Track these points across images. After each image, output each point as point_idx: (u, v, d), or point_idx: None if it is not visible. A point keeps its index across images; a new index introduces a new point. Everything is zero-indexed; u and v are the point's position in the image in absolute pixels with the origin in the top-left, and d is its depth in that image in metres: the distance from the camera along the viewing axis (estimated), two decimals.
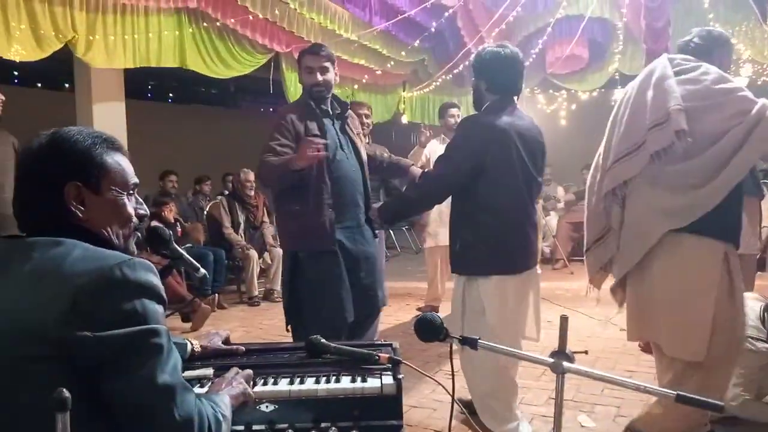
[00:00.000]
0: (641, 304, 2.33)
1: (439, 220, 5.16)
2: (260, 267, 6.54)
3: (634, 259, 2.28)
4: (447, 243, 5.18)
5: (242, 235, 6.58)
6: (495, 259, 2.64)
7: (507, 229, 2.64)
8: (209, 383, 1.47)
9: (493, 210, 2.63)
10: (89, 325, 1.01)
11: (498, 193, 2.61)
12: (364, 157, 3.05)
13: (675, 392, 1.14)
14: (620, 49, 7.30)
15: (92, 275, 1.04)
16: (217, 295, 6.03)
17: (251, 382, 1.46)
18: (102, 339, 1.01)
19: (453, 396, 1.43)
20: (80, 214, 1.15)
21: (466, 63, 7.07)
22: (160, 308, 1.11)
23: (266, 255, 6.62)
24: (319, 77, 2.90)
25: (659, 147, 2.16)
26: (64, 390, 0.83)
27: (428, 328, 1.33)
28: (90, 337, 1.01)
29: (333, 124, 2.96)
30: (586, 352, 1.28)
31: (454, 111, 5.24)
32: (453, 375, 1.48)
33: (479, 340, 1.28)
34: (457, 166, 2.67)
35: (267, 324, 5.45)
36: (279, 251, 6.72)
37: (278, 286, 6.58)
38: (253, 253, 6.37)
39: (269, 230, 6.89)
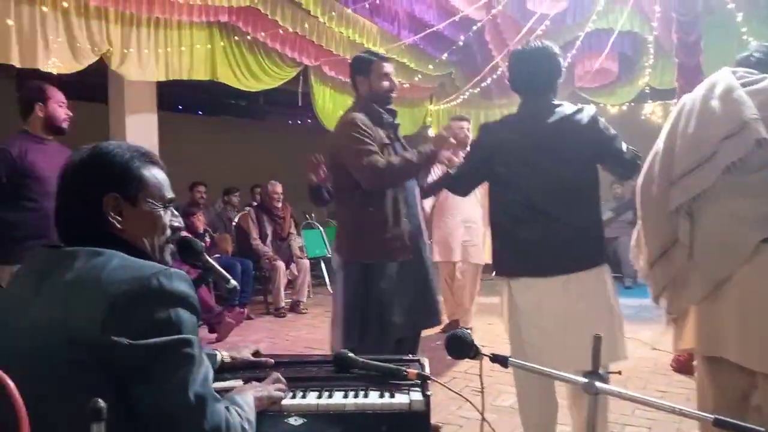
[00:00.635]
0: (718, 317, 2.18)
1: (447, 234, 5.11)
2: (287, 278, 6.57)
3: (722, 272, 2.15)
4: (456, 259, 5.15)
5: (269, 246, 6.63)
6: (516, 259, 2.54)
7: (519, 228, 2.50)
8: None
9: (503, 211, 2.57)
10: (125, 332, 1.04)
11: (506, 193, 2.54)
12: None
13: (713, 416, 1.11)
14: (651, 63, 7.21)
15: (130, 284, 1.07)
16: (246, 308, 6.09)
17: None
18: (136, 346, 1.04)
19: (483, 414, 1.41)
20: (118, 225, 1.19)
21: (494, 76, 7.06)
22: (193, 318, 1.13)
23: (293, 266, 6.66)
24: (391, 84, 2.90)
25: (734, 158, 2.10)
26: (100, 400, 0.85)
27: (459, 345, 1.32)
28: (125, 343, 1.03)
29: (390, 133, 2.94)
30: (619, 373, 1.25)
31: (463, 124, 5.11)
32: (483, 392, 1.46)
33: (510, 358, 1.27)
34: (460, 167, 2.76)
35: (293, 335, 5.46)
36: (306, 263, 6.77)
37: (304, 298, 6.62)
38: (281, 264, 6.41)
39: (296, 242, 6.94)
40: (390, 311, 2.76)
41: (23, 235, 2.98)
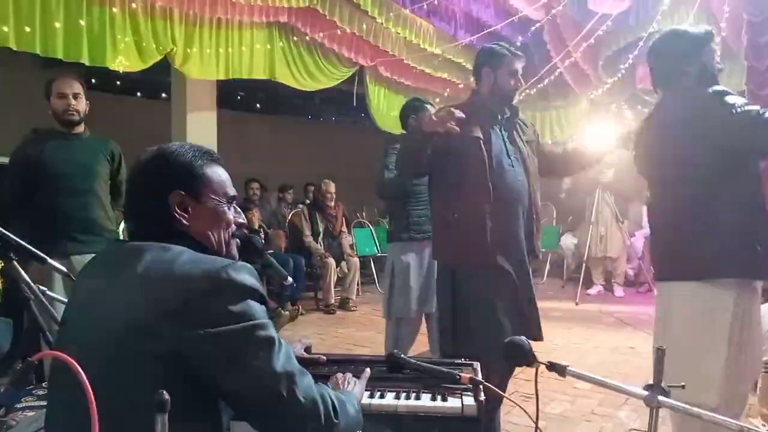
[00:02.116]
0: None
1: None
2: (337, 276, 6.63)
3: None
4: None
5: (321, 243, 6.70)
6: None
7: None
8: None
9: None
10: (200, 324, 1.07)
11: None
12: (534, 170, 2.73)
13: None
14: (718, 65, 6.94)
15: (202, 277, 1.10)
16: (300, 306, 6.20)
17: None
18: (212, 336, 1.07)
19: (536, 423, 1.39)
20: (184, 221, 1.22)
21: (551, 78, 6.94)
22: (263, 308, 1.16)
23: (343, 264, 6.72)
24: (516, 82, 2.72)
25: None
26: (164, 392, 0.87)
27: (516, 352, 1.30)
28: (201, 334, 1.06)
29: (500, 130, 2.68)
30: (683, 386, 1.21)
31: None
32: (537, 399, 1.44)
33: (568, 367, 1.24)
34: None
35: (342, 332, 5.51)
36: (356, 261, 6.82)
37: (354, 296, 6.68)
38: (331, 262, 6.48)
39: (347, 240, 7.00)
40: (479, 324, 2.53)
41: (40, 233, 2.87)
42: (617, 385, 1.25)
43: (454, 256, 2.63)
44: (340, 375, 1.56)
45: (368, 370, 1.62)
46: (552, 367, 1.26)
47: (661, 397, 1.14)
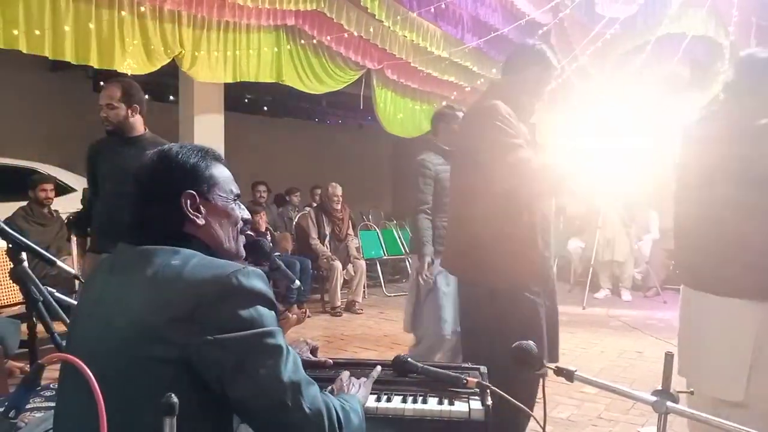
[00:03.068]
0: None
1: None
2: (344, 278, 6.64)
3: None
4: None
5: (327, 246, 6.71)
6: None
7: None
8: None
9: None
10: (209, 330, 1.07)
11: None
12: None
13: None
14: (725, 69, 6.91)
15: (211, 283, 1.10)
16: (307, 309, 6.20)
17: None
18: (221, 342, 1.07)
19: (544, 427, 1.38)
20: (198, 221, 1.23)
21: (558, 81, 6.92)
22: (272, 313, 1.16)
23: (350, 267, 6.72)
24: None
25: None
26: (173, 395, 0.87)
27: (525, 357, 1.30)
28: (210, 340, 1.06)
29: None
30: (692, 392, 1.20)
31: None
32: (545, 403, 1.43)
33: (576, 372, 1.24)
34: None
35: (348, 335, 5.51)
36: (362, 263, 6.82)
37: (360, 298, 6.68)
38: (338, 264, 6.48)
39: (353, 243, 7.00)
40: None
41: (94, 229, 3.24)
42: (625, 390, 1.25)
43: (499, 275, 2.34)
44: (345, 375, 1.55)
45: (378, 368, 1.63)
46: (560, 371, 1.26)
47: (670, 403, 1.13)
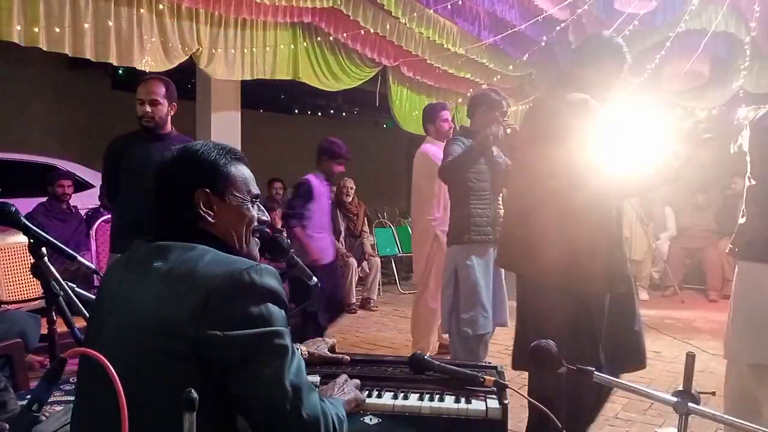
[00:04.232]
0: None
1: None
2: (358, 275, 6.64)
3: None
4: None
5: (342, 242, 6.72)
6: None
7: None
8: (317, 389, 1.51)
9: None
10: (219, 325, 1.07)
11: None
12: None
13: None
14: (746, 66, 6.81)
15: (223, 279, 1.10)
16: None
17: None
18: (230, 338, 1.07)
19: (561, 427, 1.37)
20: (210, 219, 1.23)
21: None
22: (282, 312, 1.16)
23: (364, 264, 6.73)
24: None
25: None
26: (193, 390, 0.87)
27: (544, 357, 1.29)
28: (220, 336, 1.07)
29: None
30: (713, 393, 1.19)
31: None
32: (563, 403, 1.42)
33: (595, 372, 1.23)
34: None
35: (363, 332, 5.52)
36: (377, 261, 6.82)
37: (375, 296, 6.68)
38: (353, 261, 6.49)
39: (368, 240, 7.00)
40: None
41: (116, 226, 3.24)
42: (646, 390, 1.24)
43: (588, 278, 2.25)
44: (341, 379, 1.50)
45: (356, 381, 1.53)
46: (579, 371, 1.25)
47: (691, 404, 1.12)
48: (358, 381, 1.52)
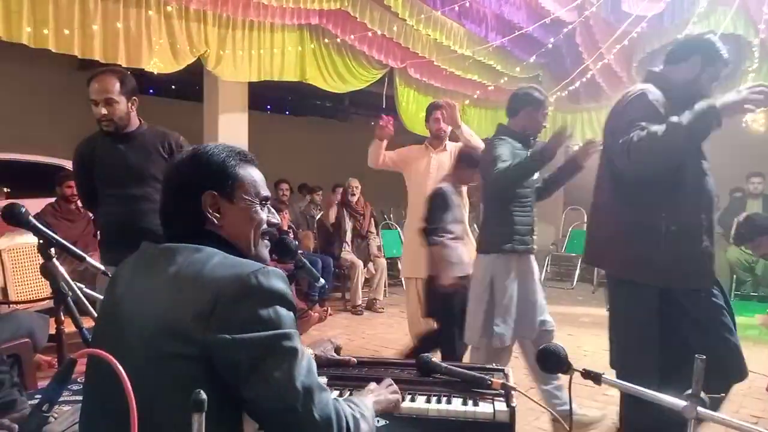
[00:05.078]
0: None
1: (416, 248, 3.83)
2: (364, 277, 6.65)
3: None
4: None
5: (349, 243, 6.73)
6: None
7: None
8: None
9: None
10: (227, 329, 1.07)
11: None
12: None
13: None
14: (755, 68, 6.78)
15: (231, 281, 1.10)
16: (329, 307, 6.24)
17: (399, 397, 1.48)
18: (239, 341, 1.07)
19: (570, 428, 1.37)
20: (216, 221, 1.23)
21: (583, 80, 6.86)
22: (291, 314, 1.16)
23: (370, 265, 6.73)
24: None
25: None
26: (202, 392, 0.87)
27: (552, 360, 1.29)
28: (228, 339, 1.06)
29: None
30: (724, 397, 1.18)
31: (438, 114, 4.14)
32: (571, 406, 1.42)
33: (603, 375, 1.22)
34: None
35: (369, 333, 5.52)
36: (383, 262, 6.82)
37: (381, 297, 6.68)
38: (359, 263, 6.50)
39: (375, 241, 7.00)
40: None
41: (103, 241, 2.94)
42: (653, 394, 1.23)
43: (669, 275, 2.18)
44: (373, 385, 1.48)
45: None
46: (587, 374, 1.24)
47: (701, 409, 1.11)
48: (391, 381, 1.51)
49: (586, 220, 8.92)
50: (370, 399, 1.34)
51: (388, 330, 5.68)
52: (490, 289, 3.13)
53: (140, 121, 2.84)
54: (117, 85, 2.67)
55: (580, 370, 1.26)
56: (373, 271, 6.70)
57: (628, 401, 2.19)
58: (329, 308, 6.27)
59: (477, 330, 3.15)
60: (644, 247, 2.19)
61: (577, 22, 6.16)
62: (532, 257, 3.18)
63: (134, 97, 2.76)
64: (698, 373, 1.15)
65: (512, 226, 3.08)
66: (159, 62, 4.49)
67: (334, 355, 1.80)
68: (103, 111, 2.67)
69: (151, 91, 8.75)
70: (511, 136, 3.16)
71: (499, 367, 1.74)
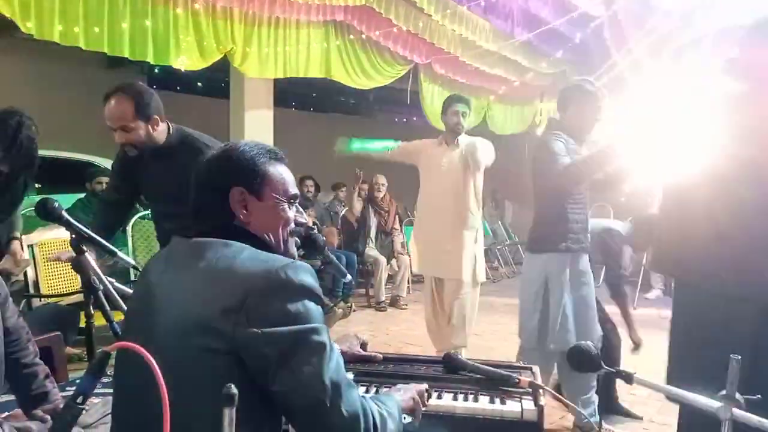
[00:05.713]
0: None
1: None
2: (388, 273, 6.64)
3: None
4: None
5: (373, 239, 6.73)
6: None
7: None
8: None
9: None
10: (257, 323, 1.08)
11: None
12: None
13: None
14: None
15: (261, 276, 1.11)
16: (352, 303, 6.25)
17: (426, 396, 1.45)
18: (268, 336, 1.08)
19: (600, 428, 1.35)
20: (242, 217, 1.24)
21: (611, 75, 6.75)
22: (319, 309, 1.16)
23: (393, 262, 6.73)
24: None
25: None
26: (233, 386, 0.88)
27: (584, 359, 1.27)
28: (258, 333, 1.07)
29: None
30: (758, 397, 1.15)
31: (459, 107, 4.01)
32: (601, 405, 1.40)
33: (635, 375, 1.20)
34: None
35: (393, 330, 5.52)
36: (406, 258, 6.80)
37: (404, 293, 6.67)
38: (382, 259, 6.50)
39: (399, 238, 6.99)
40: None
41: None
42: (687, 395, 1.21)
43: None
44: (421, 387, 1.43)
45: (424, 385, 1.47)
46: (619, 374, 1.22)
47: (735, 410, 1.09)
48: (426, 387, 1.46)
49: (612, 217, 8.81)
50: (394, 396, 1.34)
51: (412, 326, 5.66)
52: (545, 290, 3.03)
53: (169, 127, 2.57)
54: (131, 110, 2.41)
55: (612, 369, 1.24)
56: (396, 268, 6.69)
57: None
58: (353, 304, 6.28)
59: (532, 331, 3.04)
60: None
61: (605, 16, 6.07)
62: (586, 257, 3.08)
63: (155, 116, 2.46)
64: (733, 374, 1.12)
65: (567, 224, 2.98)
66: (186, 60, 4.53)
67: (360, 350, 1.81)
68: (120, 140, 2.47)
69: (178, 88, 8.85)
70: (563, 131, 3.04)
71: (527, 366, 1.73)
